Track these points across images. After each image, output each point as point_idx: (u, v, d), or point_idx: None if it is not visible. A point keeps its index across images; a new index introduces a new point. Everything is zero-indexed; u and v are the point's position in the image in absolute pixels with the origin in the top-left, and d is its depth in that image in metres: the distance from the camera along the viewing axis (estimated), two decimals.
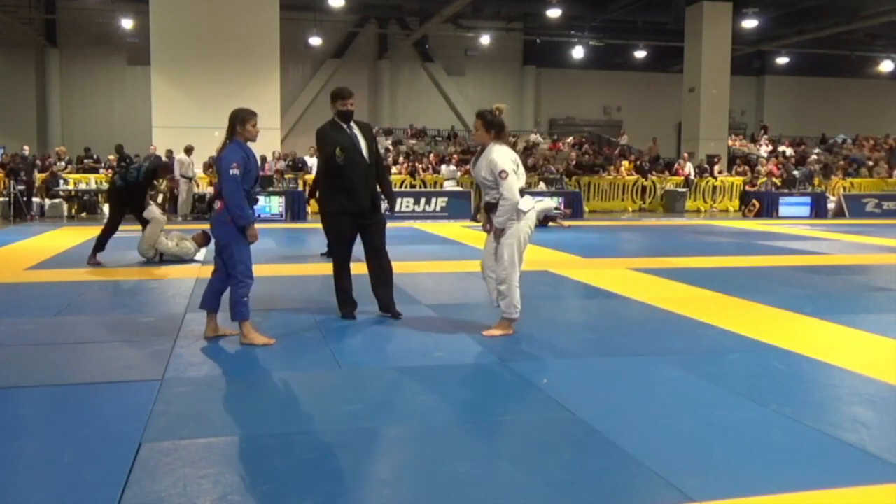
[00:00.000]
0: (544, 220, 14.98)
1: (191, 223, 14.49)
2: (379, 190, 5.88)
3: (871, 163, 24.12)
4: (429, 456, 3.24)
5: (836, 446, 3.34)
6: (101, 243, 8.95)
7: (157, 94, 19.09)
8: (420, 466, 3.14)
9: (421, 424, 3.61)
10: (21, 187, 16.32)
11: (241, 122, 4.98)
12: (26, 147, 18.00)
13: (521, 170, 5.21)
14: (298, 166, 19.30)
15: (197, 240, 9.47)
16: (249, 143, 5.05)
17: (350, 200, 5.63)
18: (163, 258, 9.19)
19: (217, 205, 5.08)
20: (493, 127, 5.13)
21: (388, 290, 5.91)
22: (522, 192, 5.16)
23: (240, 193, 4.86)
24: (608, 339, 5.38)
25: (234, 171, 4.82)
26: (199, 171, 18.17)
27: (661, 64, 30.41)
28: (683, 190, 21.16)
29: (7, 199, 16.20)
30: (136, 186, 9.02)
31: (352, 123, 5.73)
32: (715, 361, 4.75)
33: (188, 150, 17.04)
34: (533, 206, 5.24)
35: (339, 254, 5.90)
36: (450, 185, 19.30)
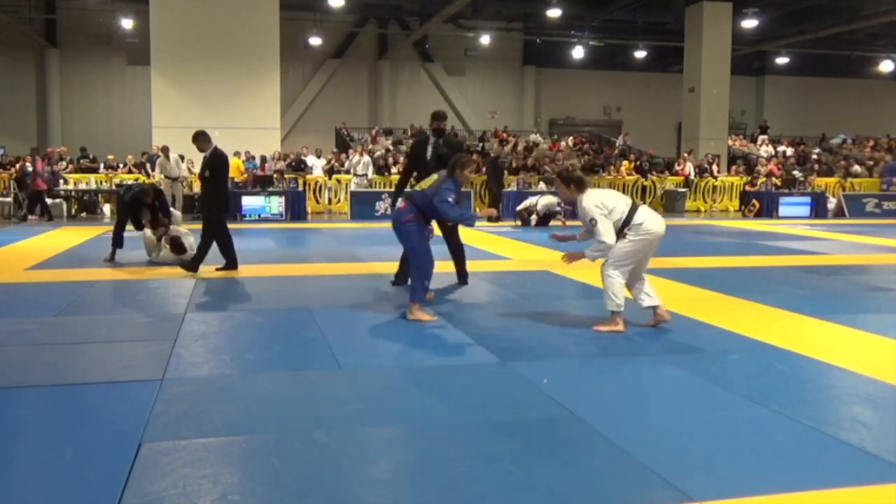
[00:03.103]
0: (545, 219, 14.98)
1: (189, 223, 14.46)
2: None
3: (870, 162, 24.11)
4: (429, 456, 3.24)
5: (836, 446, 3.34)
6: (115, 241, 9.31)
7: (157, 94, 19.10)
8: (420, 466, 3.14)
9: (421, 424, 3.61)
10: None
11: (460, 167, 5.92)
12: (28, 164, 18.07)
13: (613, 202, 5.52)
14: (300, 167, 19.30)
15: (173, 248, 9.06)
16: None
17: None
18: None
19: (400, 203, 6.05)
20: (571, 182, 5.56)
21: (459, 264, 7.67)
22: (634, 209, 5.50)
23: (456, 209, 5.91)
24: (608, 339, 5.38)
25: (451, 199, 5.86)
26: (197, 170, 18.16)
27: (661, 64, 30.41)
28: (683, 190, 21.16)
29: (8, 198, 16.23)
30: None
31: (440, 139, 7.50)
32: (715, 361, 4.75)
33: (164, 151, 17.00)
34: (645, 217, 5.52)
35: None
36: None
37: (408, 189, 7.57)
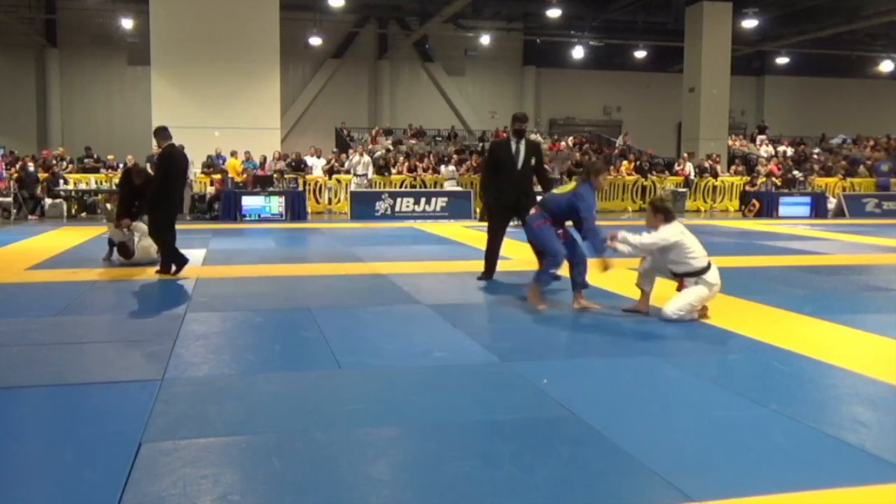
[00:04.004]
0: None
1: (191, 223, 14.48)
2: (541, 189, 7.78)
3: (870, 162, 24.11)
4: (429, 456, 3.24)
5: (836, 446, 3.34)
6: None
7: (157, 94, 19.09)
8: (420, 466, 3.14)
9: (421, 424, 3.61)
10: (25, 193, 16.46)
11: (595, 173, 6.17)
12: (31, 163, 18.08)
13: (689, 240, 5.89)
14: (300, 167, 19.29)
15: (120, 251, 8.94)
16: None
17: (501, 194, 7.63)
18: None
19: (533, 210, 6.34)
20: (660, 212, 6.00)
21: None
22: (708, 266, 5.89)
23: (597, 233, 6.03)
24: (608, 339, 5.38)
25: (594, 213, 6.06)
26: (197, 170, 18.18)
27: (661, 64, 30.40)
28: (683, 190, 21.15)
29: (8, 199, 16.24)
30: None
31: (521, 140, 7.61)
32: (715, 361, 4.75)
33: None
34: (717, 277, 5.92)
35: (491, 228, 7.82)
36: (450, 186, 19.31)
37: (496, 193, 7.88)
